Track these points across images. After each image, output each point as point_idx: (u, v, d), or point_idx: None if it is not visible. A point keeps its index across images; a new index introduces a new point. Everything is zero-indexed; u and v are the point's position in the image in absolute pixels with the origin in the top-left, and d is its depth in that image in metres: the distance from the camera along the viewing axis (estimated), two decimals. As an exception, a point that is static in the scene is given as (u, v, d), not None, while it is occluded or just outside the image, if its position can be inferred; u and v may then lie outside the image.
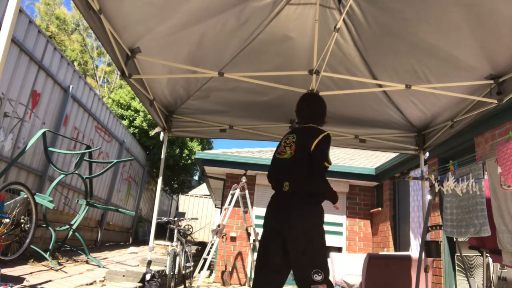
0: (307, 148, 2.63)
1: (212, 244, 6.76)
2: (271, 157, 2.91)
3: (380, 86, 3.90)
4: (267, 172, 2.91)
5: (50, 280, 3.83)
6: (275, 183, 2.73)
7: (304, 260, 2.46)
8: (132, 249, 8.22)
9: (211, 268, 8.38)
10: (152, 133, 4.70)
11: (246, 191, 7.10)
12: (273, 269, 2.60)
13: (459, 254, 4.53)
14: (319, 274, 2.38)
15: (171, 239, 5.36)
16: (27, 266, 4.34)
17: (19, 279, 3.53)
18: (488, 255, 3.52)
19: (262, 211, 6.79)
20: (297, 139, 2.74)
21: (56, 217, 6.13)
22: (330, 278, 8.57)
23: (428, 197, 3.87)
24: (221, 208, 9.02)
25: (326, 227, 2.62)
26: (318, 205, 2.60)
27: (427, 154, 5.60)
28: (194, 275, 6.74)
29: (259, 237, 6.75)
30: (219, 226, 6.87)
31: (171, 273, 4.67)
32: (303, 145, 2.66)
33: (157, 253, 7.44)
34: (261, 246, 2.68)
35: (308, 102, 2.95)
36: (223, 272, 7.93)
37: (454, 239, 4.71)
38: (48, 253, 4.74)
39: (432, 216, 5.79)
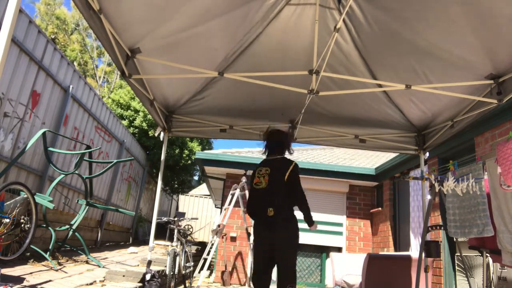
0: (281, 179, 3.17)
1: (212, 244, 6.76)
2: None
3: (380, 86, 3.90)
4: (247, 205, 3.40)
5: (50, 280, 3.83)
6: (258, 210, 3.21)
7: (288, 272, 3.13)
8: (132, 249, 8.22)
9: (211, 268, 8.38)
10: (154, 133, 4.70)
11: (246, 191, 7.09)
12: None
13: (459, 254, 4.53)
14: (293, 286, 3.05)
15: (171, 239, 5.36)
16: (27, 266, 4.34)
17: (19, 279, 3.53)
18: (488, 255, 3.52)
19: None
20: (270, 171, 3.24)
21: (56, 217, 6.13)
22: (330, 278, 8.52)
23: (428, 197, 3.87)
24: (221, 208, 9.02)
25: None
26: (297, 225, 3.20)
27: (427, 154, 5.60)
28: (194, 275, 6.74)
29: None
30: (219, 226, 6.87)
31: (171, 273, 4.66)
32: (277, 176, 3.19)
33: (157, 253, 7.44)
34: (256, 259, 3.35)
35: (282, 140, 3.45)
36: (223, 272, 7.93)
37: (454, 239, 4.71)
38: (48, 253, 4.74)
39: (432, 216, 5.79)
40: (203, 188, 20.25)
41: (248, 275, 8.15)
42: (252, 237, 7.30)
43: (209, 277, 8.45)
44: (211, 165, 8.82)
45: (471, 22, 2.75)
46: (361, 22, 3.26)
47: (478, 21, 2.72)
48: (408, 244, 6.78)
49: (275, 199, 3.14)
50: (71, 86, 6.05)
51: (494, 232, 3.08)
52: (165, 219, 5.34)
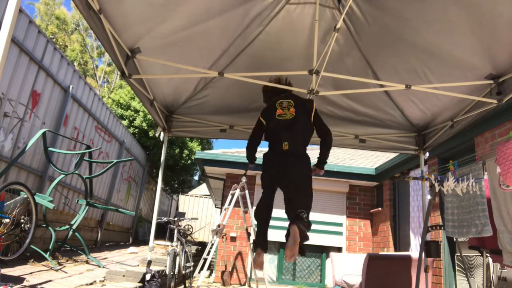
0: (307, 114, 3.22)
1: (212, 244, 6.76)
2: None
3: (380, 86, 3.90)
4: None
5: (50, 280, 3.83)
6: (276, 142, 3.18)
7: (300, 200, 3.02)
8: (132, 249, 8.22)
9: (211, 268, 8.38)
10: (154, 134, 4.70)
11: (246, 191, 7.08)
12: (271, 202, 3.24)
13: (459, 254, 4.53)
14: (303, 213, 2.87)
15: (171, 239, 5.36)
16: (27, 266, 4.34)
17: (19, 279, 3.53)
18: (488, 255, 3.52)
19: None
20: (294, 103, 3.26)
21: (56, 217, 6.13)
22: (330, 278, 8.48)
23: (428, 197, 3.87)
24: (221, 208, 9.02)
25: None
26: (310, 163, 3.23)
27: (427, 154, 5.60)
28: (194, 275, 6.74)
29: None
30: (219, 226, 6.87)
31: (171, 273, 4.66)
32: (303, 110, 3.22)
33: (157, 253, 7.44)
34: (264, 187, 3.25)
35: (280, 81, 3.48)
36: (223, 272, 7.93)
37: (454, 239, 4.71)
38: (48, 253, 4.74)
39: (432, 216, 5.79)
40: (203, 188, 20.26)
41: (248, 275, 8.15)
42: (252, 237, 7.31)
43: (209, 277, 8.45)
44: (211, 165, 8.82)
45: (470, 23, 2.76)
46: (361, 22, 3.26)
47: (478, 22, 2.72)
48: (408, 244, 6.78)
49: (298, 134, 3.15)
50: (71, 86, 6.05)
51: (493, 232, 3.08)
52: (165, 219, 5.34)
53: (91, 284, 4.16)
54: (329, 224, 8.66)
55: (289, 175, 3.09)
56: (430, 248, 3.84)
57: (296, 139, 3.14)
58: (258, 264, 3.03)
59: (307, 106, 3.27)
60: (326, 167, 3.39)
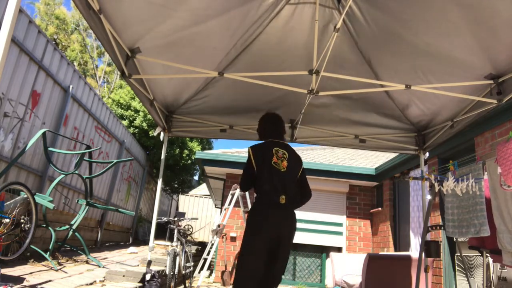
0: (297, 171, 3.10)
1: (212, 244, 6.77)
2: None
3: (380, 86, 3.90)
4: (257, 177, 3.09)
5: (50, 280, 3.84)
6: (272, 191, 2.94)
7: (281, 268, 2.93)
8: (132, 249, 8.22)
9: (211, 268, 8.38)
10: (153, 133, 4.70)
11: (247, 191, 7.09)
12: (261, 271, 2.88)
13: (459, 254, 4.53)
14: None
15: (171, 239, 5.36)
16: (27, 266, 4.34)
17: (19, 279, 3.53)
18: (488, 255, 3.52)
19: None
20: (288, 156, 3.09)
21: (56, 217, 6.13)
22: (330, 278, 8.50)
23: (428, 197, 3.87)
24: (221, 208, 9.02)
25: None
26: None
27: (427, 154, 5.60)
28: (194, 275, 6.74)
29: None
30: (219, 226, 6.88)
31: (171, 273, 4.66)
32: (294, 166, 3.08)
33: (157, 253, 7.44)
34: (257, 251, 2.87)
35: (282, 122, 3.30)
36: (223, 272, 7.93)
37: (454, 239, 4.72)
38: (48, 253, 4.74)
39: (432, 216, 5.79)
40: (203, 188, 20.26)
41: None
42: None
43: (209, 277, 8.45)
44: (211, 165, 8.82)
45: (470, 23, 2.75)
46: (360, 22, 3.26)
47: (477, 22, 2.72)
48: (408, 244, 6.78)
49: (290, 188, 2.95)
50: (71, 86, 6.05)
51: (490, 232, 3.08)
52: (165, 219, 5.34)
53: (91, 284, 4.16)
54: (329, 224, 8.66)
55: (284, 236, 2.85)
56: (430, 248, 3.84)
57: (292, 195, 2.95)
58: None
59: (297, 163, 3.10)
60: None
